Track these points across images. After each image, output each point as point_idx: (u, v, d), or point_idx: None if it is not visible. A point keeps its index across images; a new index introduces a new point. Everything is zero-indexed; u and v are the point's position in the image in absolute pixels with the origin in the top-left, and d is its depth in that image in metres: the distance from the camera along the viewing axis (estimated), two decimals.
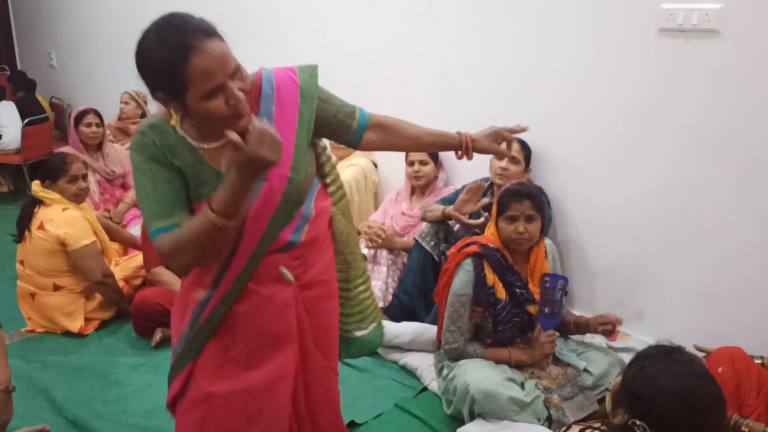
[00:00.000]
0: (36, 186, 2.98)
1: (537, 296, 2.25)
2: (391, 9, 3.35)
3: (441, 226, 2.88)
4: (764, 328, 2.32)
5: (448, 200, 2.88)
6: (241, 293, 1.48)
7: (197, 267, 1.47)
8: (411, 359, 2.65)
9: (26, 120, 5.21)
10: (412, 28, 3.28)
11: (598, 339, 2.59)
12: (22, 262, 3.00)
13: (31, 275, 2.97)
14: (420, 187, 3.21)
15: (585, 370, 2.25)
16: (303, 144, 1.46)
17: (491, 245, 2.24)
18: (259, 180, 1.36)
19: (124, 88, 4.53)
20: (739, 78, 2.24)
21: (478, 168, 2.80)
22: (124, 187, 4.09)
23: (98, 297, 3.05)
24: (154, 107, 1.48)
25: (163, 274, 2.98)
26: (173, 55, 1.23)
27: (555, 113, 2.78)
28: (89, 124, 3.87)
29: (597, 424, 1.47)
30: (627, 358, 2.10)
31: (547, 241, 2.37)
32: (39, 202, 2.97)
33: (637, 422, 1.32)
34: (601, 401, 2.20)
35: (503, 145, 1.66)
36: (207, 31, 1.27)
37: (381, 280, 3.03)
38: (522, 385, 2.16)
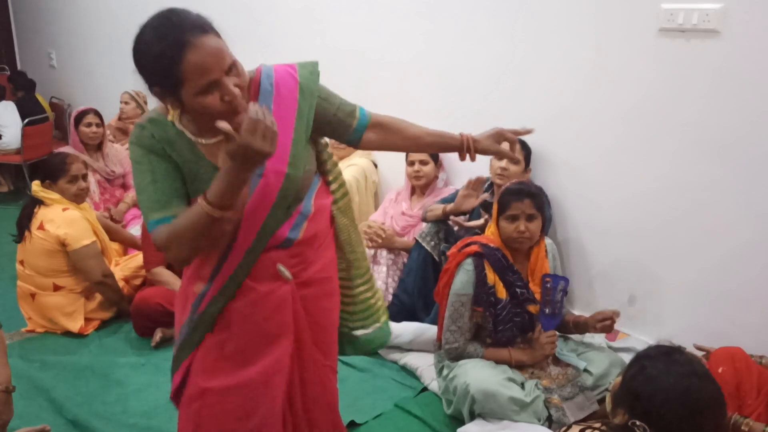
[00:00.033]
0: (36, 186, 2.98)
1: (538, 296, 2.25)
2: (391, 9, 3.35)
3: (441, 226, 2.88)
4: (764, 328, 2.32)
5: (449, 200, 2.88)
6: (238, 288, 1.49)
7: (195, 258, 1.48)
8: (411, 359, 2.65)
9: (26, 120, 5.21)
10: (412, 28, 3.28)
11: (598, 339, 2.60)
12: (22, 262, 3.00)
13: (31, 275, 2.97)
14: (420, 187, 3.21)
15: (585, 370, 2.25)
16: (301, 140, 1.46)
17: (492, 245, 2.24)
18: (255, 173, 1.36)
19: (124, 88, 4.53)
20: (739, 78, 2.24)
21: (478, 168, 2.79)
22: (124, 187, 4.09)
23: (98, 297, 3.05)
24: (154, 106, 1.49)
25: (163, 274, 2.98)
26: (168, 51, 1.24)
27: (555, 113, 2.78)
28: (89, 124, 3.87)
29: (597, 424, 1.47)
30: (627, 358, 2.10)
31: (548, 241, 2.37)
32: (39, 202, 2.97)
33: (637, 423, 1.32)
34: (601, 401, 2.20)
35: (506, 146, 1.64)
36: (202, 27, 1.28)
37: (381, 280, 3.03)
38: (522, 385, 2.16)
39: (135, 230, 3.65)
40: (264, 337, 1.52)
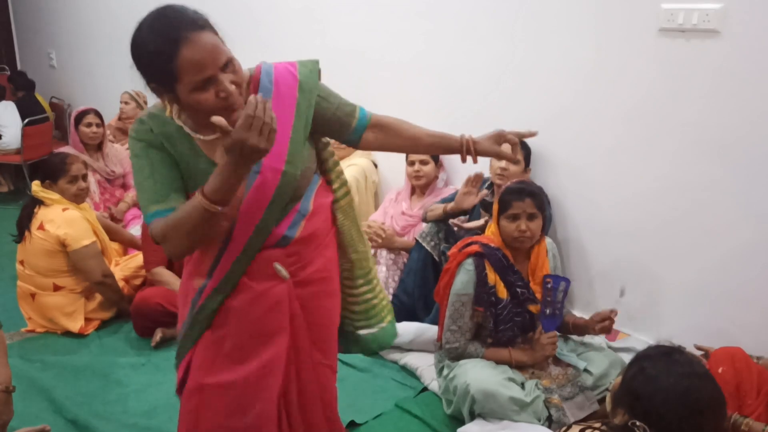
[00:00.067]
0: (36, 186, 2.98)
1: (538, 295, 2.25)
2: (391, 9, 3.35)
3: (441, 226, 2.88)
4: (764, 328, 2.32)
5: (449, 200, 2.88)
6: (235, 286, 1.50)
7: (194, 253, 1.49)
8: (411, 359, 2.65)
9: (26, 120, 5.21)
10: (412, 28, 3.28)
11: (598, 339, 2.59)
12: (22, 262, 3.00)
13: (31, 275, 2.97)
14: (420, 186, 3.21)
15: (585, 370, 2.25)
16: (300, 138, 1.46)
17: (492, 245, 2.24)
18: (252, 170, 1.37)
19: (124, 88, 4.53)
20: (739, 78, 2.24)
21: (478, 167, 2.80)
22: (125, 187, 4.09)
23: (98, 297, 3.05)
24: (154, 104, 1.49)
25: (164, 274, 2.98)
26: (163, 47, 1.25)
27: (555, 113, 2.78)
28: (89, 124, 3.87)
29: (597, 424, 1.47)
30: (627, 358, 2.10)
31: (548, 240, 2.37)
32: (39, 202, 2.96)
33: (637, 423, 1.32)
34: (602, 401, 2.20)
35: (507, 147, 1.61)
36: (198, 24, 1.28)
37: (381, 280, 3.03)
38: (522, 385, 2.16)
39: (135, 230, 3.65)
40: (260, 335, 1.53)
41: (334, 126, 1.56)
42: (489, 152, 1.58)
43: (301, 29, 3.85)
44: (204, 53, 1.26)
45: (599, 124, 2.66)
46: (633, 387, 1.36)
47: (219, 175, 1.25)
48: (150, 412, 2.38)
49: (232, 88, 1.30)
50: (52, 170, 2.98)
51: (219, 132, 1.21)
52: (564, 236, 2.88)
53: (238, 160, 1.22)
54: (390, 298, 2.97)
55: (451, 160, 3.25)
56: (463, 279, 2.23)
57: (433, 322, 2.70)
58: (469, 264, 2.23)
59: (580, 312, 2.84)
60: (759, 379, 1.99)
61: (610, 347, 2.58)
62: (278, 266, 1.50)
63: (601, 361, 2.28)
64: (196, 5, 1.34)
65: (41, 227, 2.90)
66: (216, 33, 1.31)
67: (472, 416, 2.16)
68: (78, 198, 3.02)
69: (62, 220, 2.90)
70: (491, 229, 2.30)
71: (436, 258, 2.85)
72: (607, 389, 2.18)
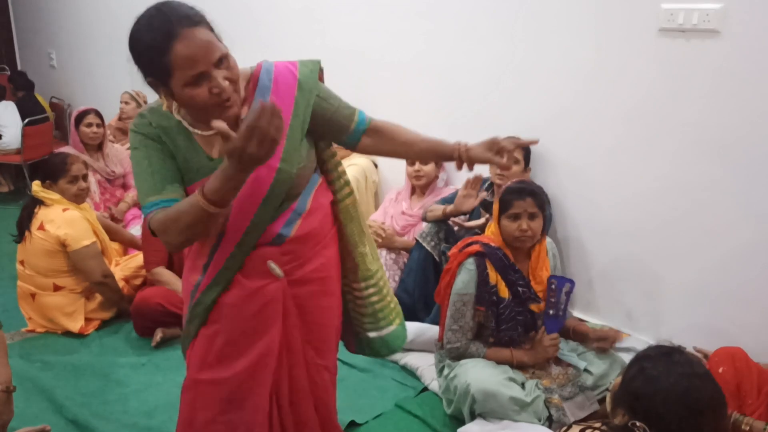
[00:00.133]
0: (36, 186, 2.98)
1: (539, 294, 2.24)
2: (391, 9, 3.35)
3: (441, 226, 2.88)
4: (764, 328, 2.32)
5: (449, 200, 2.88)
6: (229, 282, 1.51)
7: (190, 244, 1.49)
8: (411, 359, 2.65)
9: (26, 120, 5.21)
10: (412, 28, 3.28)
11: None
12: (22, 263, 2.99)
13: (31, 275, 2.97)
14: (420, 186, 3.21)
15: (585, 370, 2.25)
16: (296, 136, 1.46)
17: (493, 244, 2.24)
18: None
19: (124, 88, 4.53)
20: (739, 78, 2.24)
21: (478, 168, 2.80)
22: (125, 187, 4.09)
23: (98, 297, 3.05)
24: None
25: (164, 274, 2.98)
26: (157, 42, 1.27)
27: (555, 113, 2.78)
28: (90, 125, 3.87)
29: (597, 424, 1.47)
30: (627, 358, 2.10)
31: (548, 240, 2.36)
32: (39, 202, 2.96)
33: (637, 423, 1.32)
34: (602, 401, 2.20)
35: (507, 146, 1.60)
36: (193, 19, 1.30)
37: None
38: (522, 385, 2.16)
39: (135, 230, 3.65)
40: (253, 333, 1.54)
41: (333, 128, 1.57)
42: (481, 159, 1.57)
43: (301, 29, 3.85)
44: (196, 49, 1.27)
45: (599, 124, 2.66)
46: (633, 387, 1.36)
47: (219, 179, 1.25)
48: (150, 412, 2.38)
49: (226, 84, 1.31)
50: (52, 170, 2.98)
51: (221, 137, 1.21)
52: (564, 236, 2.88)
53: (237, 166, 1.22)
54: None
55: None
56: (465, 278, 2.23)
57: (434, 322, 2.70)
58: (470, 263, 2.23)
59: (580, 312, 2.85)
60: (759, 379, 2.00)
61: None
62: (272, 264, 1.51)
63: (602, 361, 2.28)
64: (195, 4, 1.35)
65: (41, 227, 2.90)
66: (211, 29, 1.33)
67: (473, 416, 2.16)
68: (78, 198, 3.02)
69: (62, 221, 2.90)
70: (491, 229, 2.30)
71: (437, 258, 2.85)
72: (607, 389, 2.18)
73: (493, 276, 2.22)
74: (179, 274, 2.91)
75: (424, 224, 2.96)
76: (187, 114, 1.42)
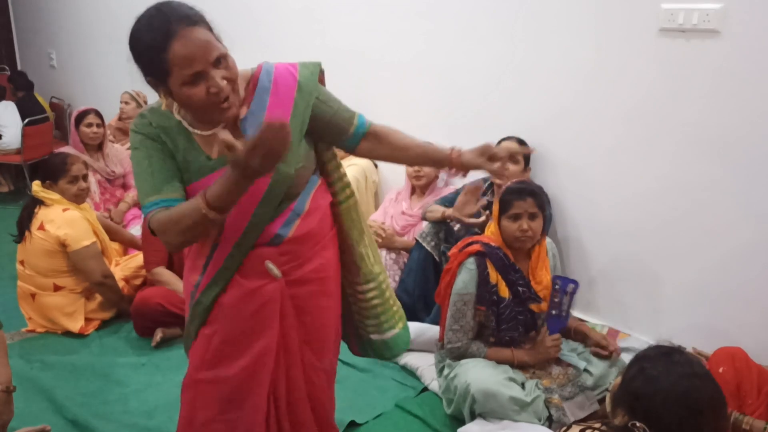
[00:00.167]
0: (36, 186, 2.98)
1: (540, 294, 2.24)
2: (391, 9, 3.35)
3: (441, 226, 2.88)
4: (764, 328, 2.32)
5: (449, 200, 2.87)
6: (228, 282, 1.52)
7: (189, 245, 1.50)
8: (411, 359, 2.65)
9: (26, 120, 5.21)
10: (412, 28, 3.28)
11: None
12: (22, 263, 3.00)
13: (31, 275, 2.97)
14: (420, 186, 3.21)
15: (585, 370, 2.25)
16: (295, 137, 1.47)
17: (493, 244, 2.24)
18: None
19: (124, 88, 4.53)
20: (739, 78, 2.24)
21: (477, 174, 2.81)
22: (125, 187, 4.09)
23: (98, 297, 3.05)
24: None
25: (164, 274, 2.98)
26: (155, 41, 1.28)
27: (555, 113, 2.78)
28: (90, 125, 3.87)
29: (597, 425, 1.47)
30: (627, 358, 2.10)
31: (548, 240, 2.37)
32: (39, 202, 2.96)
33: (637, 423, 1.32)
34: (602, 401, 2.20)
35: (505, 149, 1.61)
36: (192, 19, 1.30)
37: None
38: (523, 385, 2.16)
39: (135, 230, 3.65)
40: (251, 333, 1.55)
41: (332, 130, 1.57)
42: (473, 165, 1.56)
43: (301, 29, 3.85)
44: (194, 48, 1.28)
45: (599, 124, 2.66)
46: (633, 387, 1.36)
47: (222, 186, 1.27)
48: (150, 412, 2.38)
49: (224, 83, 1.31)
50: (52, 170, 2.98)
51: (218, 128, 1.21)
52: (564, 236, 2.88)
53: (241, 175, 1.24)
54: None
55: None
56: (465, 278, 2.23)
57: (434, 322, 2.70)
58: (470, 263, 2.23)
59: (580, 312, 2.84)
60: (759, 379, 2.00)
61: None
62: (270, 264, 1.51)
63: (602, 361, 2.28)
64: (195, 4, 1.35)
65: (41, 227, 2.90)
66: (210, 29, 1.33)
67: (473, 416, 2.16)
68: (78, 198, 3.02)
69: (62, 221, 2.90)
70: (491, 229, 2.30)
71: (437, 258, 2.85)
72: (607, 389, 2.18)
73: (494, 276, 2.22)
74: (179, 274, 2.91)
75: (424, 224, 2.96)
76: (187, 114, 1.42)
